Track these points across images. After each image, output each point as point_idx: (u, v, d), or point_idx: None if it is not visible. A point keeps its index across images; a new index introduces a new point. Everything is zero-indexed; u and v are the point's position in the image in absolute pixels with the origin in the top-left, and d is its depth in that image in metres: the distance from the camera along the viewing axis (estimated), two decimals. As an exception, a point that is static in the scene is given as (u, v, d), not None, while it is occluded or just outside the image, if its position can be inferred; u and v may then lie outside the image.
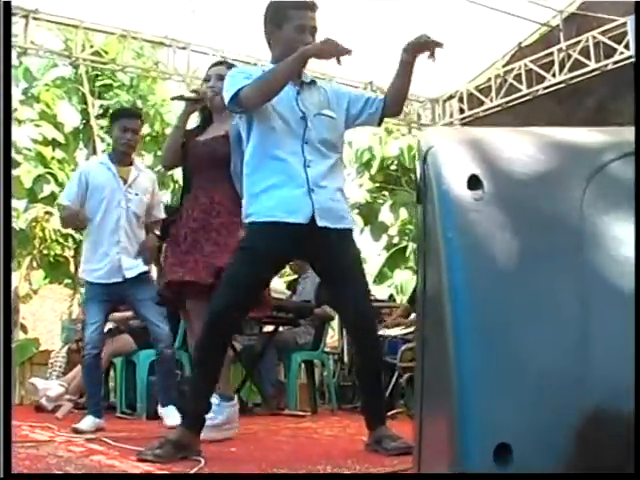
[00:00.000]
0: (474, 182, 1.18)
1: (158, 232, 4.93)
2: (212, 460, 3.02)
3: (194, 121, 4.43)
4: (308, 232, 3.25)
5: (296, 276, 7.68)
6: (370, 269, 17.81)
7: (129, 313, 5.91)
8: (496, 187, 1.17)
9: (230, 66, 4.21)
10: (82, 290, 15.22)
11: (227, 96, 3.29)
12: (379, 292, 13.34)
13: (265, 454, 3.37)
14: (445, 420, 1.18)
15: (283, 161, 3.29)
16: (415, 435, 1.40)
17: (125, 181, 4.87)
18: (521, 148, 1.22)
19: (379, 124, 3.64)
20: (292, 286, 7.56)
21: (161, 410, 5.07)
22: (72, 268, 14.37)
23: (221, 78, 4.01)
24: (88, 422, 4.55)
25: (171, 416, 4.79)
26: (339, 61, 3.20)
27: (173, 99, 4.97)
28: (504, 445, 1.07)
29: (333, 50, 3.18)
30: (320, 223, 3.26)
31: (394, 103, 3.52)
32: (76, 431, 4.39)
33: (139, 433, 4.44)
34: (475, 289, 1.13)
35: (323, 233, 3.27)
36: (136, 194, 4.88)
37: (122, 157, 4.93)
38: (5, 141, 2.44)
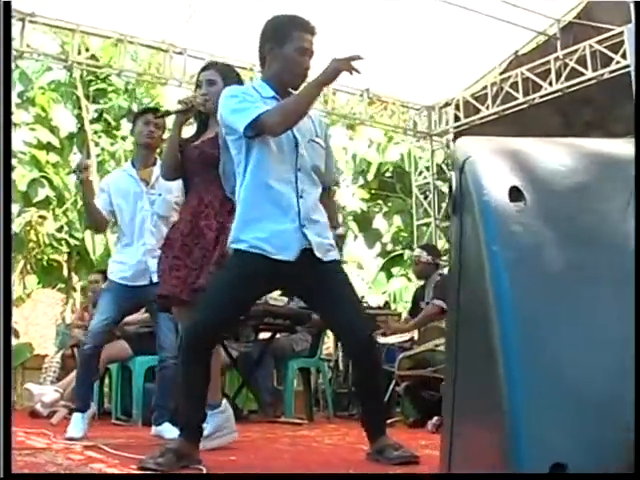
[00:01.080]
0: (515, 194, 1.16)
1: None
2: (213, 469, 3.01)
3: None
4: (298, 267, 3.23)
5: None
6: (365, 276, 17.84)
7: (126, 319, 5.86)
8: (537, 199, 1.15)
9: (219, 68, 4.17)
10: (75, 295, 15.23)
11: (241, 122, 3.21)
12: (374, 299, 13.34)
13: (265, 463, 3.36)
14: (491, 437, 1.16)
15: (277, 191, 3.26)
16: (445, 448, 1.38)
17: (147, 183, 4.83)
18: (558, 159, 1.20)
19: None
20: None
21: (154, 431, 4.90)
22: (65, 272, 14.36)
23: (211, 83, 3.98)
24: (78, 425, 4.50)
25: (169, 430, 4.74)
26: (356, 70, 3.18)
27: (158, 117, 4.89)
28: (559, 465, 1.05)
29: (348, 63, 3.15)
30: (316, 254, 3.25)
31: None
32: (72, 439, 4.34)
33: (136, 440, 4.41)
34: (522, 304, 1.11)
35: (314, 265, 3.26)
36: (159, 194, 4.81)
37: (144, 154, 4.89)
38: (5, 145, 2.41)
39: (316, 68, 3.36)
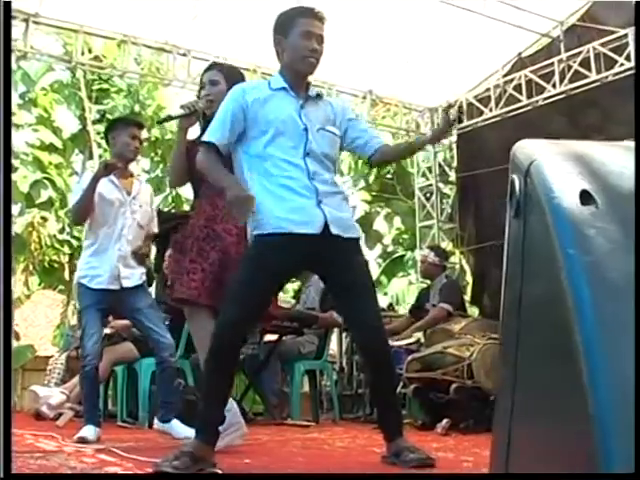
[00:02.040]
0: (586, 197, 1.15)
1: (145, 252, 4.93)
2: (228, 472, 2.98)
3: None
4: (320, 243, 3.20)
5: (299, 284, 7.65)
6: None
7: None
8: (607, 202, 1.14)
9: (222, 68, 4.17)
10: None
11: (207, 133, 3.37)
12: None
13: (281, 467, 3.34)
14: (571, 440, 1.14)
15: (287, 176, 3.25)
16: (499, 451, 1.36)
17: (128, 193, 4.87)
18: (621, 162, 1.19)
19: (370, 165, 3.64)
20: (297, 295, 7.53)
21: (159, 427, 4.92)
22: (67, 274, 14.33)
23: (214, 83, 3.98)
24: (91, 431, 4.50)
25: (176, 428, 4.74)
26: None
27: (160, 122, 4.90)
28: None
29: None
30: (333, 231, 3.22)
31: (384, 158, 3.59)
32: (83, 441, 4.34)
33: (146, 443, 4.40)
34: (602, 307, 1.10)
35: (335, 242, 3.23)
36: (140, 206, 4.91)
37: (124, 166, 4.91)
38: (5, 149, 2.39)
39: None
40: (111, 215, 4.80)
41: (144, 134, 5.48)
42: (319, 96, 3.54)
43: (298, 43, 3.35)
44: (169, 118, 4.42)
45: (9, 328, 2.44)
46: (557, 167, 1.21)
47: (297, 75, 3.42)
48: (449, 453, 3.89)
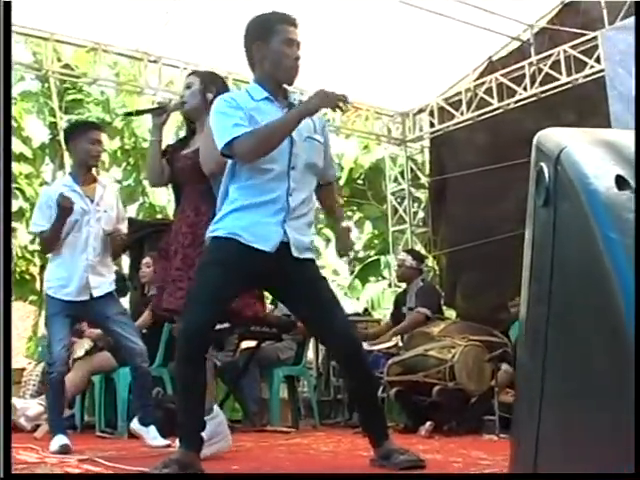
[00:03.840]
0: (621, 182, 1.14)
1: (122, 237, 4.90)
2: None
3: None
4: (272, 261, 3.19)
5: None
6: (341, 282, 17.86)
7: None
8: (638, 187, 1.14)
9: (200, 73, 4.18)
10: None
11: (219, 140, 3.21)
12: (351, 306, 13.31)
13: (270, 471, 3.32)
14: (620, 437, 1.13)
15: (267, 187, 3.22)
16: (523, 449, 1.35)
17: (92, 200, 4.79)
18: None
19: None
20: (274, 301, 7.49)
21: (136, 427, 4.88)
22: (38, 285, 14.18)
23: (188, 86, 4.00)
24: (62, 440, 4.44)
25: (152, 434, 4.71)
26: (340, 108, 3.20)
27: (126, 115, 4.88)
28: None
29: (332, 99, 3.14)
30: (293, 253, 3.21)
31: (319, 197, 3.57)
32: (63, 451, 4.28)
33: (128, 452, 4.35)
34: None
35: (290, 262, 3.22)
36: (104, 211, 4.83)
37: (87, 172, 4.86)
38: (5, 146, 2.37)
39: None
40: (75, 225, 4.73)
41: (116, 143, 5.43)
42: (301, 103, 3.41)
43: (282, 51, 3.28)
44: (137, 112, 4.39)
45: (9, 328, 2.40)
46: (589, 153, 1.21)
47: (279, 83, 3.37)
48: (436, 455, 3.88)
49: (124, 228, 4.94)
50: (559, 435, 1.26)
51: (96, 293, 4.73)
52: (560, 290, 1.26)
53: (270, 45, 3.30)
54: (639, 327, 1.11)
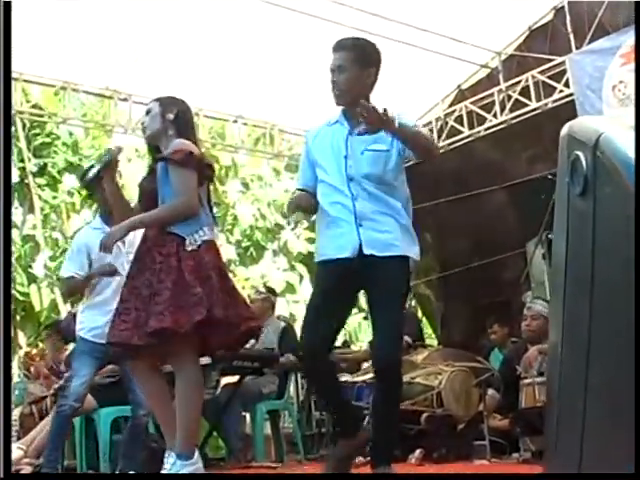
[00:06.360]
0: None
1: None
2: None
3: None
4: (355, 264, 3.39)
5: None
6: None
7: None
8: None
9: (160, 98, 4.02)
10: (20, 352, 14.78)
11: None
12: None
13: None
14: None
15: (333, 202, 3.48)
16: (567, 447, 1.28)
17: (123, 242, 4.66)
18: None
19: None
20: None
21: None
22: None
23: (147, 112, 3.87)
24: None
25: None
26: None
27: (83, 186, 4.75)
28: None
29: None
30: (366, 252, 3.38)
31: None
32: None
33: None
34: None
35: (369, 262, 3.38)
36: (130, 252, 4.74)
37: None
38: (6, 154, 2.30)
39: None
40: None
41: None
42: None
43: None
44: (86, 180, 4.18)
45: (9, 330, 2.35)
46: (628, 138, 1.18)
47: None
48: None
49: None
50: (605, 428, 1.20)
51: None
52: (605, 278, 1.21)
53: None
54: (639, 327, 1.08)
